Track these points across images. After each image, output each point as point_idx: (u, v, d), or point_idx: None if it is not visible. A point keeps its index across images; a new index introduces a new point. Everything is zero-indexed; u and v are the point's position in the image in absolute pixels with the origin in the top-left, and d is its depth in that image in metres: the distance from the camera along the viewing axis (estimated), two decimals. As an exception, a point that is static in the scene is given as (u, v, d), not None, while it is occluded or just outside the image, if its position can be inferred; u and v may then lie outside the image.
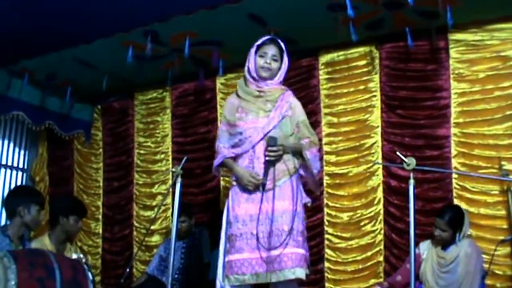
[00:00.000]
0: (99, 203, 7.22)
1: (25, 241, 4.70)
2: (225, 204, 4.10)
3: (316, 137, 4.09)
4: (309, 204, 4.09)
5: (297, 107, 4.06)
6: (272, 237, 3.78)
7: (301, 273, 3.75)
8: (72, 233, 5.17)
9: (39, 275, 3.87)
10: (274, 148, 3.82)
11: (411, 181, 3.51)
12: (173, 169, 4.16)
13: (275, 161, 3.85)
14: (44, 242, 5.01)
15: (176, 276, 5.55)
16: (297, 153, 3.96)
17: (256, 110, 4.02)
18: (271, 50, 4.04)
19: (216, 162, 4.09)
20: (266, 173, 3.82)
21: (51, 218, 5.22)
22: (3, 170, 7.38)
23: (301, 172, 4.04)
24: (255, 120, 3.99)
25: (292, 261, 3.74)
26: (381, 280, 5.21)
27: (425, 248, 4.63)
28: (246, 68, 4.13)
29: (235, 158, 4.02)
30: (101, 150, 7.34)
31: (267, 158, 3.84)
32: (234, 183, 4.02)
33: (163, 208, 6.56)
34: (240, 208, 3.93)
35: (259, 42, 4.09)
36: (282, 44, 4.10)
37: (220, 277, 3.85)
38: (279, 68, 4.07)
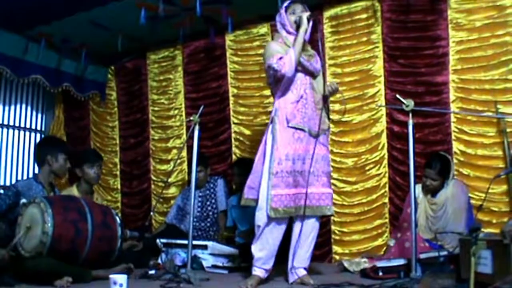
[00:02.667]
0: (117, 160, 7.54)
1: (55, 187, 5.05)
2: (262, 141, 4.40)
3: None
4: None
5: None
6: (312, 177, 4.25)
7: (331, 210, 4.36)
8: (89, 180, 5.51)
9: (73, 218, 4.23)
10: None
11: (410, 121, 3.80)
12: (191, 118, 4.46)
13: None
14: (73, 192, 5.35)
15: (194, 223, 5.87)
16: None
17: (305, 61, 4.38)
18: (298, 8, 4.42)
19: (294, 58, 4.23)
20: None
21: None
22: (22, 132, 7.69)
23: None
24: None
25: (329, 199, 4.31)
26: (386, 220, 5.55)
27: (419, 191, 4.91)
28: (279, 26, 4.48)
29: (282, 95, 4.35)
30: (116, 109, 7.62)
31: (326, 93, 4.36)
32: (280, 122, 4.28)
33: (178, 161, 6.84)
34: (288, 147, 4.23)
35: (286, 4, 4.44)
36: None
37: (265, 209, 4.15)
38: None
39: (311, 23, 4.36)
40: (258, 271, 4.21)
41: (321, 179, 4.29)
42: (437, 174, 4.82)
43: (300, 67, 4.31)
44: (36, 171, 5.10)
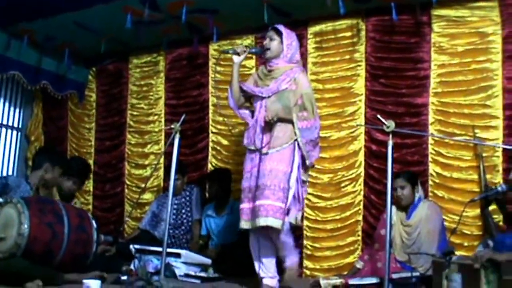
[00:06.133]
0: (91, 162, 7.37)
1: (39, 193, 5.06)
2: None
3: (313, 111, 4.44)
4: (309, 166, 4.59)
5: (301, 81, 4.48)
6: (258, 191, 4.29)
7: (272, 222, 4.21)
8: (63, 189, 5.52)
9: (49, 220, 4.20)
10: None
11: (390, 142, 3.85)
12: (172, 126, 4.47)
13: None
14: (53, 194, 5.35)
15: (168, 230, 5.87)
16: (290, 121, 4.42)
17: (262, 86, 4.56)
18: (268, 33, 4.59)
19: None
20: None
21: None
22: (-1, 129, 7.61)
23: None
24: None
25: (267, 211, 4.22)
26: (358, 238, 5.58)
27: (393, 213, 4.92)
28: None
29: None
30: (94, 111, 7.55)
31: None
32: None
33: (155, 167, 6.81)
34: (245, 165, 4.52)
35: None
36: (280, 27, 4.57)
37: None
38: (282, 48, 4.53)
39: (243, 56, 4.59)
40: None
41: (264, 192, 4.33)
42: (404, 179, 4.90)
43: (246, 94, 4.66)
44: (11, 171, 5.11)
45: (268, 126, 4.42)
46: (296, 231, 4.76)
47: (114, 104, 7.38)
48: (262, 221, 4.21)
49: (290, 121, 4.39)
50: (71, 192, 5.61)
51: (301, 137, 4.37)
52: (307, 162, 4.45)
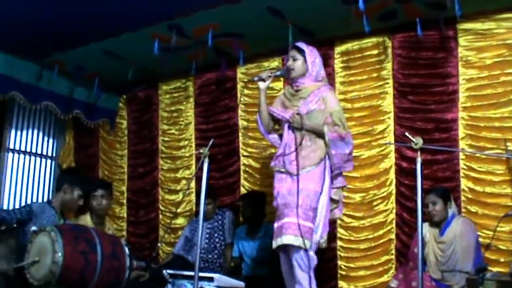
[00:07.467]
0: (124, 188, 7.55)
1: (65, 216, 5.10)
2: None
3: (345, 127, 4.48)
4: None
5: (329, 99, 4.51)
6: (286, 209, 4.33)
7: (294, 240, 4.21)
8: (93, 210, 5.59)
9: (83, 249, 4.22)
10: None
11: (419, 159, 3.81)
12: (201, 150, 4.48)
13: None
14: (86, 221, 5.40)
15: (201, 255, 5.87)
16: (318, 134, 4.43)
17: (290, 107, 4.58)
18: (290, 53, 4.62)
19: None
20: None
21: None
22: (33, 158, 7.74)
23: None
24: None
25: (287, 229, 4.25)
26: (392, 256, 5.52)
27: (426, 230, 4.88)
28: None
29: None
30: (125, 137, 7.65)
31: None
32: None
33: (187, 192, 6.85)
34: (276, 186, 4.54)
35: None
36: (302, 45, 4.61)
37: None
38: (306, 67, 4.56)
39: (268, 81, 4.63)
40: None
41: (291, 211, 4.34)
42: (435, 195, 4.83)
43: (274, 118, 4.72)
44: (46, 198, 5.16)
45: (298, 145, 4.40)
46: (329, 252, 4.71)
47: (145, 131, 7.46)
48: (284, 240, 4.24)
49: (319, 135, 4.40)
50: (101, 209, 5.64)
51: (332, 148, 4.38)
52: (334, 172, 4.47)
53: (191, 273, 4.74)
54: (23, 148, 7.60)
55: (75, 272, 4.11)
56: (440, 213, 4.82)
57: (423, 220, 4.17)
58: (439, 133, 5.38)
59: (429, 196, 4.82)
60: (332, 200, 4.52)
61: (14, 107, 7.39)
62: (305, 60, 4.54)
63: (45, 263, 4.07)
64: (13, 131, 7.46)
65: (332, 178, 4.51)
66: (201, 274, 4.71)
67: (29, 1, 5.06)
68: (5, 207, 7.14)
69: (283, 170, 4.47)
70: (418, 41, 5.49)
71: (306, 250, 4.20)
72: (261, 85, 4.61)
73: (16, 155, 7.51)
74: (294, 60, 4.56)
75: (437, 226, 4.89)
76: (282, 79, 6.04)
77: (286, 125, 4.57)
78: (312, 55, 4.57)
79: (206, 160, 4.47)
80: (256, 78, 4.68)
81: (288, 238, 4.21)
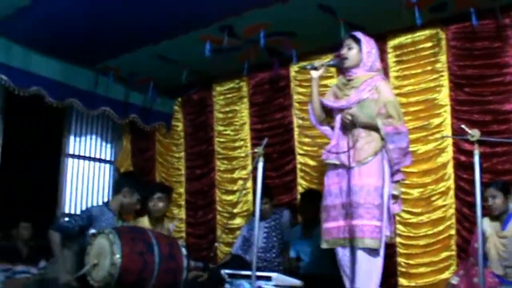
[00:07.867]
0: (182, 190, 7.64)
1: (123, 218, 5.19)
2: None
3: (400, 117, 4.36)
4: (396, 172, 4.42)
5: (383, 89, 4.38)
6: (351, 209, 4.18)
7: (369, 243, 4.12)
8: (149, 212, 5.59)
9: (140, 250, 4.28)
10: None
11: (476, 152, 3.73)
12: (256, 150, 4.48)
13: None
14: (145, 223, 5.48)
15: (259, 254, 5.87)
16: (373, 127, 4.31)
17: (342, 96, 4.50)
18: (346, 41, 4.53)
19: None
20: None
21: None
22: (91, 163, 7.93)
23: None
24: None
25: (363, 232, 4.12)
26: (452, 253, 5.41)
27: (487, 224, 4.75)
28: None
29: None
30: (182, 140, 7.75)
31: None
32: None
33: (244, 192, 6.90)
34: (327, 181, 4.45)
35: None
36: (359, 34, 4.52)
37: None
38: (361, 57, 4.46)
39: (321, 70, 4.55)
40: None
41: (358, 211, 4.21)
42: (495, 189, 4.70)
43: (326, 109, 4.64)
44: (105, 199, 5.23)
45: (351, 137, 4.30)
46: (389, 248, 4.64)
47: (201, 132, 7.54)
48: (359, 243, 4.13)
49: (374, 129, 4.27)
50: (157, 211, 5.65)
51: (389, 143, 4.24)
52: (393, 168, 4.31)
53: (249, 273, 4.76)
54: (82, 154, 7.79)
55: (133, 273, 4.16)
56: (500, 207, 4.70)
57: (483, 215, 4.10)
58: (497, 125, 5.25)
59: (488, 190, 4.70)
60: (392, 195, 4.42)
61: (72, 114, 7.61)
62: (360, 50, 4.43)
63: (104, 265, 4.14)
64: (72, 137, 7.68)
65: (392, 174, 4.38)
66: (258, 273, 4.72)
67: (84, 8, 5.19)
68: (66, 211, 7.34)
69: (337, 163, 4.36)
70: (473, 31, 5.37)
71: (375, 250, 4.15)
72: (314, 73, 4.55)
73: (75, 160, 7.71)
74: (349, 49, 4.46)
75: (498, 220, 4.76)
76: (335, 75, 5.99)
77: (338, 116, 4.48)
78: (369, 45, 4.46)
79: (261, 159, 4.47)
80: (309, 67, 4.61)
81: (364, 242, 4.12)
